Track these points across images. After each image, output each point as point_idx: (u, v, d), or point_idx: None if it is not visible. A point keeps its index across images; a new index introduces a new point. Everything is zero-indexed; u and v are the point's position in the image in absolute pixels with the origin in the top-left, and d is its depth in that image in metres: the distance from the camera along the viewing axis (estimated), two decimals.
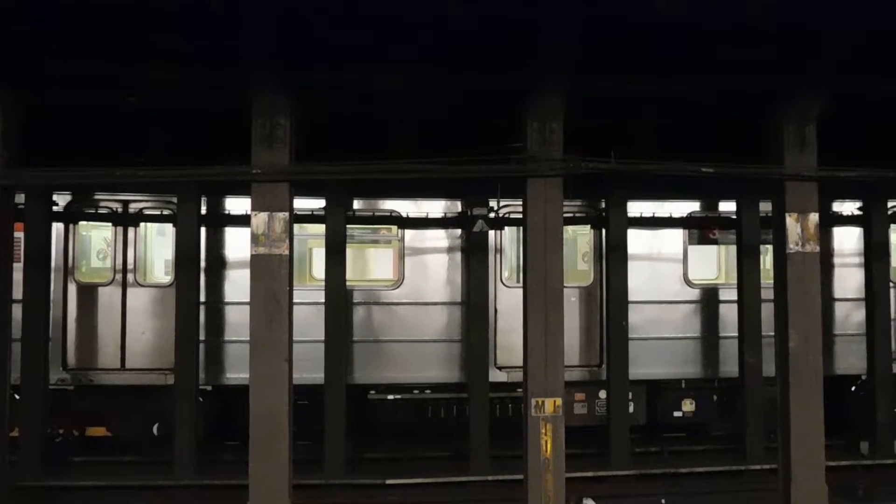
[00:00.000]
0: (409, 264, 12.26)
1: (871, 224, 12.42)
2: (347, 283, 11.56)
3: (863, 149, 9.19)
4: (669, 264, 12.72)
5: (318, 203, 11.56)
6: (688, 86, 8.70)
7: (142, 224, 12.21)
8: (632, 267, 11.87)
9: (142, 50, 8.07)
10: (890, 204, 12.55)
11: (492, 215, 11.83)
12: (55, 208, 11.65)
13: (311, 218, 11.76)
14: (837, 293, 12.93)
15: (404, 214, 12.24)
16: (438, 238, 12.32)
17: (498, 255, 12.36)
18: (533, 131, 8.33)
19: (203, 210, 11.56)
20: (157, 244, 12.50)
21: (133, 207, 12.10)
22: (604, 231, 12.11)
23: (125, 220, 12.11)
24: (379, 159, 8.40)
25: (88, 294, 11.99)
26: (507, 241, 12.54)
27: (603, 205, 12.18)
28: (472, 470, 11.20)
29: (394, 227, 12.40)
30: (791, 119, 8.70)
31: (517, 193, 8.90)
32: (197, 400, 11.21)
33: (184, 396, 10.96)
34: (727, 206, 12.63)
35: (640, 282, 12.27)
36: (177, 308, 11.04)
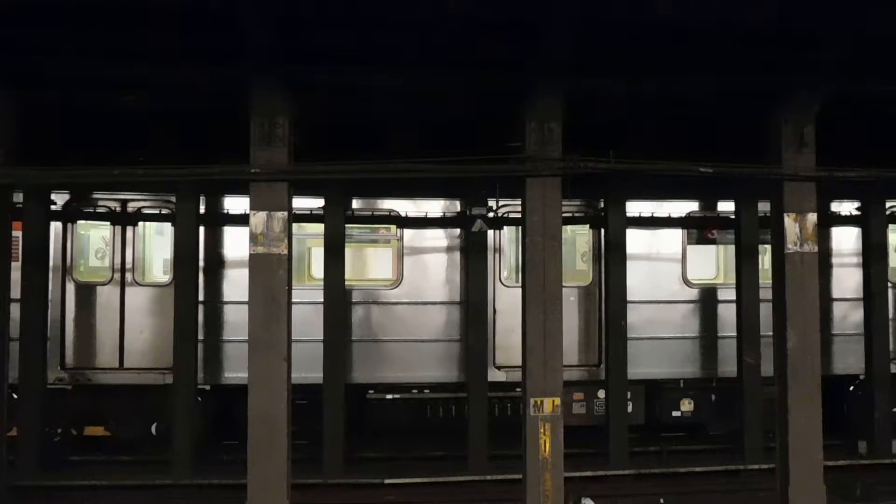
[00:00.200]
0: (408, 264, 12.26)
1: (870, 224, 12.43)
2: (346, 283, 11.56)
3: (861, 149, 9.20)
4: (668, 264, 12.72)
5: (317, 202, 11.56)
6: (687, 86, 8.71)
7: (140, 223, 12.20)
8: (631, 267, 11.88)
9: (141, 49, 8.07)
10: (888, 204, 12.56)
11: (491, 215, 11.83)
12: (53, 207, 11.63)
13: (310, 217, 11.76)
14: (836, 293, 12.94)
15: (403, 214, 12.24)
16: (437, 238, 12.32)
17: (497, 255, 12.37)
18: (532, 131, 8.33)
19: (202, 209, 11.56)
20: (156, 243, 12.49)
21: (132, 206, 12.09)
22: (603, 231, 12.12)
23: (124, 219, 12.09)
24: (378, 159, 8.41)
25: (87, 293, 11.98)
26: (506, 241, 12.54)
27: (602, 204, 12.18)
28: (471, 469, 11.21)
29: (393, 227, 12.39)
30: (789, 119, 8.70)
31: (516, 193, 8.91)
32: (195, 399, 11.21)
33: (182, 396, 10.95)
34: (726, 206, 12.63)
35: (639, 281, 12.27)
36: (175, 307, 11.03)
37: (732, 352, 12.22)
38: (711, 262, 13.24)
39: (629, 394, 12.10)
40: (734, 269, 12.31)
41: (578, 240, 13.09)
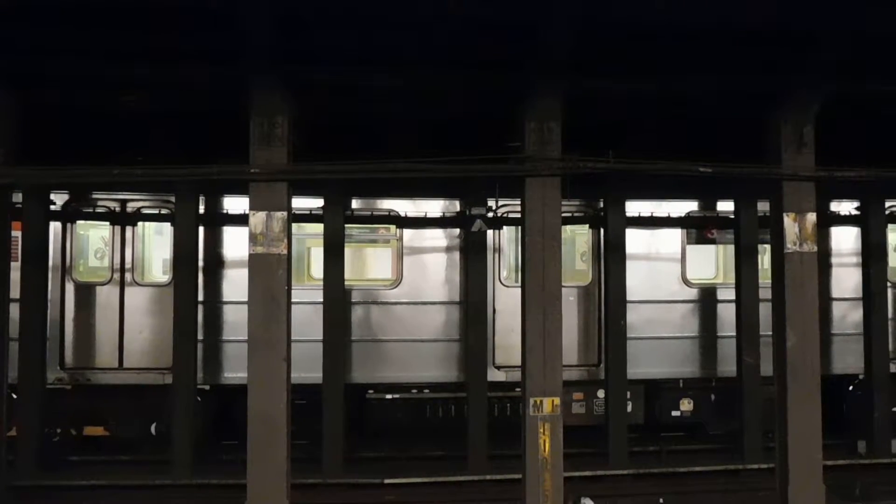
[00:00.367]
0: (408, 264, 12.26)
1: (869, 224, 12.44)
2: (346, 283, 11.56)
3: (861, 149, 9.20)
4: (668, 264, 12.73)
5: (316, 202, 11.56)
6: (687, 86, 8.71)
7: (140, 223, 12.20)
8: (630, 266, 11.88)
9: (141, 49, 8.07)
10: (887, 204, 12.56)
11: (490, 215, 11.83)
12: (53, 207, 11.63)
13: (309, 217, 11.76)
14: (835, 293, 12.94)
15: (403, 214, 12.24)
16: (437, 237, 12.32)
17: (496, 255, 12.37)
18: (531, 131, 8.33)
19: (201, 209, 11.56)
20: (155, 243, 12.49)
21: (131, 206, 12.09)
22: (602, 230, 12.12)
23: (123, 219, 12.09)
24: (378, 159, 8.40)
25: (86, 293, 11.97)
26: (506, 241, 12.54)
27: (601, 204, 12.18)
28: (471, 469, 11.21)
29: (392, 227, 12.39)
30: (789, 119, 8.71)
31: (516, 193, 8.91)
32: (195, 399, 11.20)
33: (182, 396, 10.95)
34: (725, 206, 12.64)
35: (639, 281, 12.28)
36: (175, 307, 11.03)
37: (732, 351, 12.22)
38: (711, 262, 13.25)
39: (629, 393, 12.10)
40: (734, 268, 12.31)
41: (578, 239, 13.09)
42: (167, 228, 11.99)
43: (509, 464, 10.18)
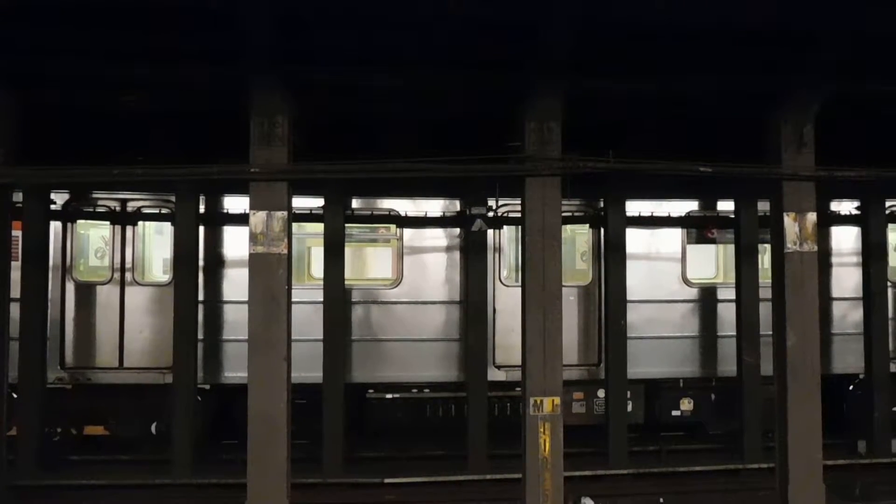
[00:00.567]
0: (408, 263, 12.27)
1: (869, 224, 12.44)
2: (346, 283, 11.56)
3: (861, 149, 9.20)
4: (668, 263, 12.73)
5: (316, 202, 11.56)
6: (687, 86, 8.71)
7: (140, 223, 12.20)
8: (630, 266, 11.87)
9: (141, 49, 8.08)
10: (888, 203, 12.56)
11: (490, 214, 11.83)
12: (53, 207, 11.63)
13: (309, 217, 11.76)
14: (835, 292, 12.94)
15: (403, 213, 12.24)
16: (437, 237, 12.32)
17: (497, 255, 12.37)
18: (531, 131, 8.34)
19: (202, 209, 11.56)
20: (156, 243, 12.49)
21: (131, 206, 12.09)
22: (602, 230, 12.12)
23: (123, 218, 12.09)
24: (378, 158, 8.41)
25: (86, 293, 11.98)
26: (506, 241, 12.54)
27: (601, 204, 12.18)
28: (471, 469, 11.21)
29: (392, 226, 12.39)
30: (789, 119, 8.71)
31: (516, 192, 8.91)
32: (195, 399, 11.21)
33: (182, 395, 10.95)
34: (725, 206, 12.64)
35: (639, 281, 12.28)
36: (175, 307, 11.03)
37: (732, 351, 12.22)
38: (711, 262, 13.25)
39: (629, 393, 12.10)
40: (734, 268, 12.31)
41: (578, 239, 13.09)
42: (167, 228, 11.99)
43: (509, 463, 10.18)
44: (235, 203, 11.81)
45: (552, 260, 8.36)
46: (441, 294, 12.22)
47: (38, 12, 7.71)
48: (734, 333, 12.18)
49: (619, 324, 11.73)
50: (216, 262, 11.95)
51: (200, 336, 11.45)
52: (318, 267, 11.97)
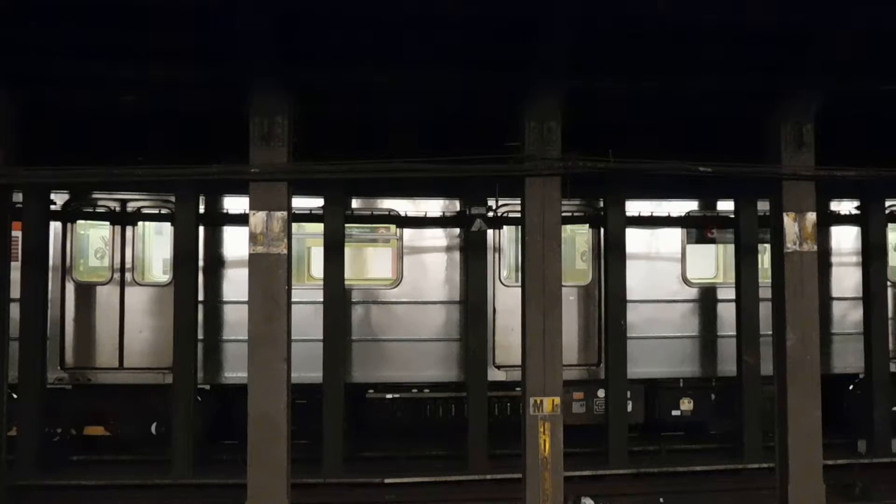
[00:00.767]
0: (408, 263, 12.27)
1: (869, 223, 12.44)
2: (346, 283, 11.56)
3: (861, 149, 9.20)
4: (667, 263, 12.73)
5: (316, 202, 11.55)
6: (686, 85, 8.71)
7: (140, 223, 12.20)
8: (630, 266, 11.88)
9: (141, 49, 8.07)
10: (887, 203, 12.56)
11: (490, 214, 11.84)
12: (53, 207, 11.63)
13: (309, 217, 11.76)
14: (835, 292, 12.94)
15: (403, 213, 12.24)
16: (437, 237, 12.32)
17: (496, 255, 12.37)
18: (531, 130, 8.33)
19: (201, 209, 11.56)
20: (156, 243, 12.49)
21: (131, 206, 12.09)
22: (602, 230, 12.12)
23: (123, 219, 12.09)
24: (378, 158, 8.40)
25: (86, 293, 11.98)
26: (506, 241, 12.54)
27: (601, 204, 12.18)
28: (471, 469, 11.21)
29: (392, 227, 12.40)
30: (789, 119, 8.70)
31: (516, 192, 8.90)
32: (195, 399, 11.21)
33: (182, 395, 10.96)
34: (725, 206, 12.64)
35: (639, 281, 12.28)
36: (175, 307, 11.04)
37: (732, 351, 12.23)
38: (711, 262, 13.25)
39: (629, 393, 12.10)
40: (733, 268, 12.31)
41: (578, 239, 13.09)
42: (167, 228, 11.99)
43: (509, 463, 10.18)
44: (235, 203, 11.81)
45: (552, 260, 8.35)
46: (441, 294, 12.22)
47: (38, 12, 7.70)
48: (734, 333, 12.18)
49: (619, 324, 11.73)
50: (216, 263, 11.95)
51: (200, 336, 11.45)
52: (317, 267, 11.97)
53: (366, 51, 8.25)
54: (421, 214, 12.26)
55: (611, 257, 11.78)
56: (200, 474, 10.77)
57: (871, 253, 12.35)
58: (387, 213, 12.31)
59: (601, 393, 12.23)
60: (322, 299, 11.31)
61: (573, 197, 11.42)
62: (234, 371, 11.45)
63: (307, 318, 11.17)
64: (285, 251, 8.18)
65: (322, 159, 8.43)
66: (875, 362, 12.23)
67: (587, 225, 12.72)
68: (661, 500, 10.54)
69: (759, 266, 12.06)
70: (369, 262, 13.01)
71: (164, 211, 12.04)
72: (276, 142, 8.15)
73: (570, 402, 12.24)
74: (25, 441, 10.74)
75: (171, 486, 10.61)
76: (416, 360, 12.12)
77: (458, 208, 12.27)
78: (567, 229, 12.35)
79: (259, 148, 8.16)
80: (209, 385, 11.88)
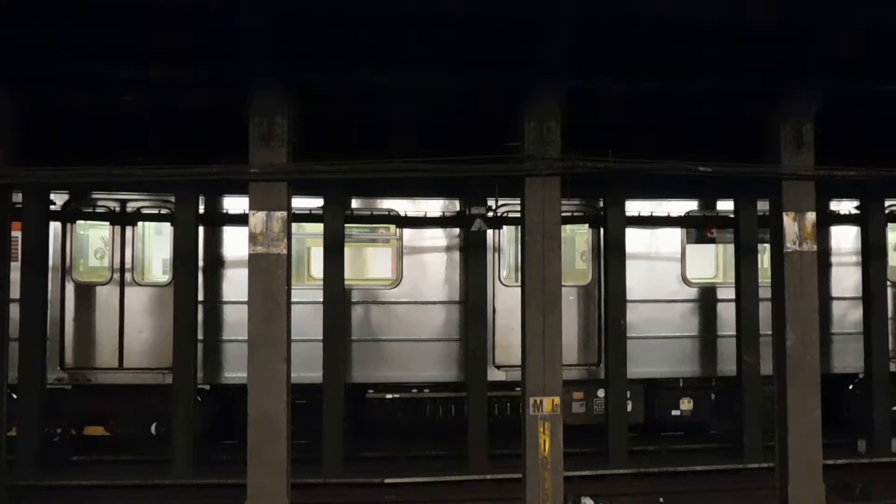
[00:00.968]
0: (408, 263, 12.27)
1: (869, 223, 12.44)
2: (346, 283, 11.56)
3: (861, 149, 9.20)
4: (667, 263, 12.73)
5: (316, 202, 11.55)
6: (686, 85, 8.71)
7: (140, 223, 12.20)
8: (630, 266, 11.88)
9: (141, 49, 8.07)
10: (887, 203, 12.56)
11: (490, 214, 11.84)
12: (53, 207, 11.63)
13: (309, 217, 11.75)
14: (835, 292, 12.94)
15: (402, 213, 12.24)
16: (437, 237, 12.32)
17: (496, 255, 12.37)
18: (531, 130, 8.33)
19: (201, 209, 11.55)
20: (155, 243, 12.49)
21: (131, 206, 12.09)
22: (602, 230, 12.12)
23: (123, 219, 12.09)
24: (377, 158, 8.40)
25: (86, 293, 11.98)
26: (506, 240, 12.55)
27: (601, 204, 12.18)
28: (471, 469, 11.22)
29: (392, 227, 12.40)
30: (788, 119, 8.71)
31: (515, 192, 8.90)
32: (195, 399, 11.21)
33: (182, 395, 10.96)
34: (725, 206, 12.64)
35: (638, 281, 12.28)
36: (175, 307, 11.04)
37: (732, 351, 12.23)
38: (710, 262, 13.25)
39: (628, 393, 12.10)
40: (733, 268, 12.31)
41: (578, 239, 13.09)
42: (167, 228, 11.99)
43: (509, 463, 10.18)
44: (235, 203, 11.81)
45: (552, 260, 8.35)
46: (441, 294, 12.22)
47: (38, 12, 7.70)
48: (734, 333, 12.18)
49: (619, 323, 11.73)
50: (216, 263, 11.95)
51: (200, 336, 11.44)
52: (317, 267, 11.97)
53: (366, 51, 8.25)
54: (421, 214, 12.26)
55: (610, 257, 11.78)
56: (200, 474, 10.77)
57: (871, 253, 12.36)
58: (387, 213, 12.31)
59: (601, 393, 12.23)
60: (322, 299, 11.31)
61: (573, 197, 11.43)
62: (234, 371, 11.44)
63: (307, 318, 11.17)
64: (285, 251, 8.17)
65: (322, 159, 8.42)
66: (875, 362, 12.23)
67: (587, 225, 12.72)
68: (661, 499, 10.54)
69: (759, 266, 12.06)
70: (369, 262, 13.00)
71: (163, 211, 12.04)
72: (275, 142, 8.15)
73: (570, 401, 12.25)
74: (25, 441, 10.74)
75: (171, 486, 10.61)
76: (416, 360, 12.12)
77: (457, 208, 12.27)
78: (567, 229, 12.34)
79: (259, 148, 8.16)
80: (209, 385, 11.88)
